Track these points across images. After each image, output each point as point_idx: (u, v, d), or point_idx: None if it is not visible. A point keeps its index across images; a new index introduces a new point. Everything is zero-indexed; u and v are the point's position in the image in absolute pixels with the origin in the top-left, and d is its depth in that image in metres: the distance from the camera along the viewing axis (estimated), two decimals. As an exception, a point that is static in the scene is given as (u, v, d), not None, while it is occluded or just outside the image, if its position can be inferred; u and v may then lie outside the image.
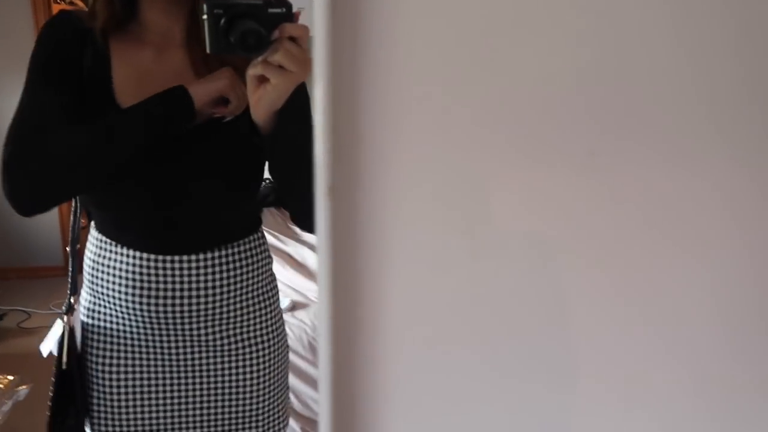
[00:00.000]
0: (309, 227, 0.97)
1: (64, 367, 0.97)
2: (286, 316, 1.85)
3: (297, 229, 2.59)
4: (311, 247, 2.34)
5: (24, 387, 2.26)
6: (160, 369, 0.99)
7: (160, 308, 0.94)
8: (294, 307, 1.91)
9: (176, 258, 0.93)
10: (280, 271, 2.11)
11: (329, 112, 0.37)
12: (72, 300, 1.03)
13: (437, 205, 0.43)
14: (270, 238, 2.12)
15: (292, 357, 1.76)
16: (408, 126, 0.40)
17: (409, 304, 0.44)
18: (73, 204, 1.02)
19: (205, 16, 0.71)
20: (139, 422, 1.01)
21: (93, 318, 1.00)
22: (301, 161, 0.86)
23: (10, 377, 2.30)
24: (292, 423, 1.76)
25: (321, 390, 0.45)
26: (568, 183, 0.43)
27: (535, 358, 0.46)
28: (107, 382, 0.99)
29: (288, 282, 2.07)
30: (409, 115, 0.40)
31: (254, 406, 1.05)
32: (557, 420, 0.46)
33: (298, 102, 0.81)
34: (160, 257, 0.92)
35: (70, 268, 1.05)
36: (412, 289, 0.44)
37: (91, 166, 0.84)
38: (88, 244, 1.00)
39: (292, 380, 1.76)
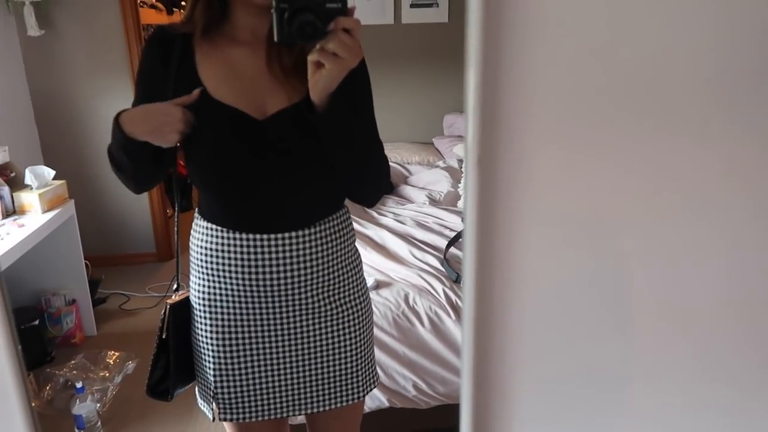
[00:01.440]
0: (361, 199, 1.14)
1: (164, 336, 1.15)
2: (372, 295, 1.95)
3: (375, 213, 2.68)
4: (389, 229, 2.43)
5: (131, 362, 2.47)
6: (267, 335, 1.12)
7: (265, 281, 1.08)
8: (378, 285, 2.00)
9: (280, 235, 1.06)
10: (363, 252, 2.21)
11: (478, 97, 0.44)
12: (178, 282, 1.20)
13: (564, 175, 0.49)
14: (351, 222, 2.22)
15: (378, 332, 1.86)
16: (538, 105, 0.47)
17: (540, 273, 0.51)
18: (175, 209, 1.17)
19: (273, 10, 0.82)
20: (251, 383, 1.15)
21: (205, 299, 1.13)
22: (351, 140, 1.00)
23: (119, 353, 2.52)
24: (379, 394, 1.86)
25: (464, 351, 0.52)
26: (684, 151, 0.49)
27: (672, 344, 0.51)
28: (221, 350, 1.13)
29: (370, 263, 2.17)
30: (539, 96, 0.47)
31: (350, 360, 1.17)
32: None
33: (353, 88, 0.94)
34: (264, 236, 1.05)
35: (176, 259, 1.24)
36: (541, 260, 0.50)
37: (123, 178, 1.06)
38: (195, 233, 1.14)
39: (378, 354, 1.86)
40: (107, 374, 2.36)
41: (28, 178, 2.42)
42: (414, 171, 3.30)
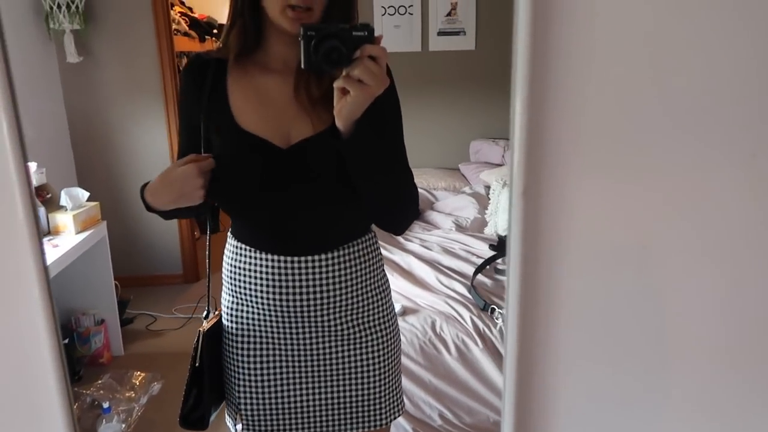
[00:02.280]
0: (389, 227, 1.13)
1: (197, 364, 1.14)
2: (398, 321, 1.93)
3: (401, 239, 2.68)
4: (416, 255, 2.42)
5: (157, 383, 2.48)
6: (293, 357, 1.13)
7: (291, 302, 1.09)
8: (405, 312, 1.99)
9: (306, 258, 1.07)
10: (390, 278, 2.20)
11: (523, 127, 0.44)
12: (208, 308, 1.21)
13: (610, 207, 0.49)
14: (377, 247, 2.21)
15: (404, 360, 1.84)
16: (585, 133, 0.47)
17: (583, 300, 0.50)
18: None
19: (300, 38, 0.84)
20: (276, 403, 1.15)
21: (234, 317, 1.15)
22: (378, 167, 1.00)
23: (144, 374, 2.53)
24: (404, 423, 1.84)
25: (506, 386, 0.51)
26: (731, 181, 0.48)
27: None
28: (248, 369, 1.14)
29: (397, 289, 2.16)
30: (586, 123, 0.47)
31: (376, 385, 1.17)
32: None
33: (380, 115, 0.95)
34: (291, 258, 1.07)
35: (207, 282, 1.23)
36: (586, 286, 0.50)
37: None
38: (227, 252, 1.16)
39: (404, 381, 1.84)
40: (133, 395, 2.37)
41: (63, 200, 2.48)
42: (440, 197, 3.30)
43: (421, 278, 2.23)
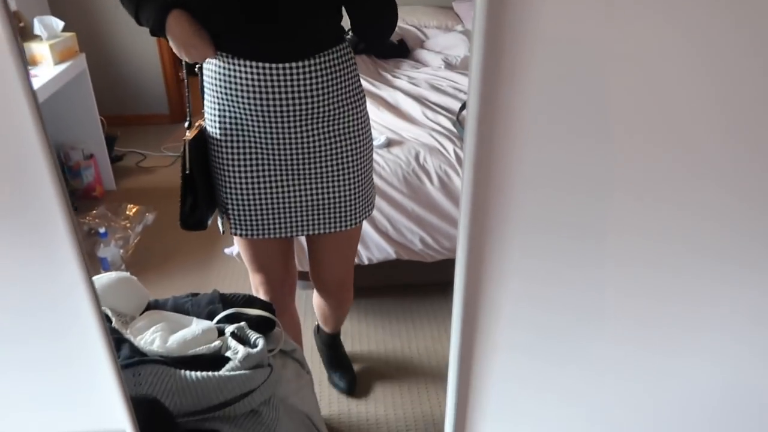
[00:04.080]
0: (368, 33, 1.19)
1: (187, 171, 1.22)
2: (383, 152, 1.97)
3: (389, 76, 2.64)
4: (403, 91, 2.40)
5: (150, 214, 2.57)
6: (274, 159, 1.20)
7: (272, 107, 1.14)
8: (389, 143, 2.02)
9: (285, 65, 1.12)
10: (376, 112, 2.20)
11: None
12: (190, 120, 1.25)
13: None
14: (365, 84, 2.17)
15: (387, 189, 1.90)
16: None
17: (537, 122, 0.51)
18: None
19: None
20: (259, 204, 1.24)
21: (217, 123, 1.19)
22: None
23: (138, 207, 2.61)
24: (387, 246, 1.94)
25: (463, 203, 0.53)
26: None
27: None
28: (233, 172, 1.21)
29: (382, 122, 2.16)
30: None
31: (350, 187, 1.26)
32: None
33: None
34: (270, 65, 1.11)
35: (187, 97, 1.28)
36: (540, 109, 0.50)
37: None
38: (208, 65, 1.18)
39: (388, 209, 1.92)
40: (128, 224, 2.46)
41: (37, 29, 2.38)
42: (431, 35, 3.19)
43: (407, 112, 2.22)
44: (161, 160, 3.18)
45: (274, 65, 1.11)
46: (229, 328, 1.07)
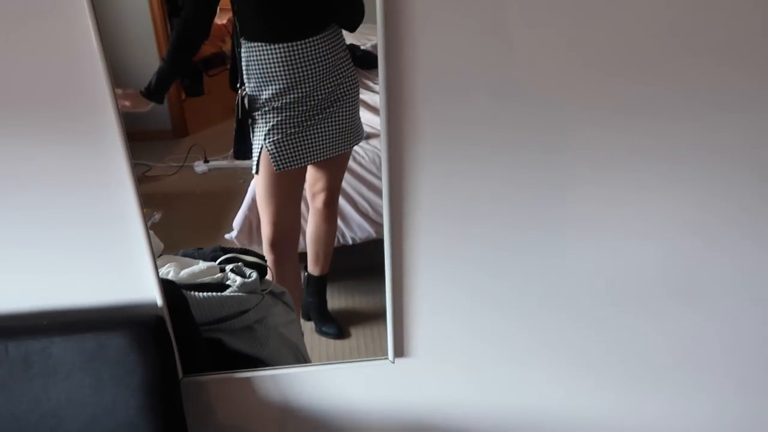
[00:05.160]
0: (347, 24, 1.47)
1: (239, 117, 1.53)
2: (363, 144, 2.23)
3: (370, 83, 2.91)
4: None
5: (157, 213, 2.82)
6: (307, 104, 1.52)
7: (303, 70, 1.44)
8: (368, 136, 2.29)
9: (305, 39, 1.40)
10: (360, 112, 2.47)
11: None
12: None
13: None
14: (346, 87, 2.43)
15: (367, 175, 2.14)
16: None
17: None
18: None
19: None
20: (297, 135, 1.56)
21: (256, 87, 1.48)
22: None
23: (146, 209, 2.86)
24: (368, 226, 2.18)
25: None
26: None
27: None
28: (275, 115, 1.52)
29: (364, 120, 2.43)
30: None
31: (353, 114, 1.71)
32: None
33: None
34: (294, 42, 1.40)
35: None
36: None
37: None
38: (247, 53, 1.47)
39: (368, 193, 2.16)
40: (137, 221, 2.70)
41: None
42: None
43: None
44: (166, 170, 3.43)
45: (295, 42, 1.39)
46: (229, 266, 1.33)
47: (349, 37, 3.57)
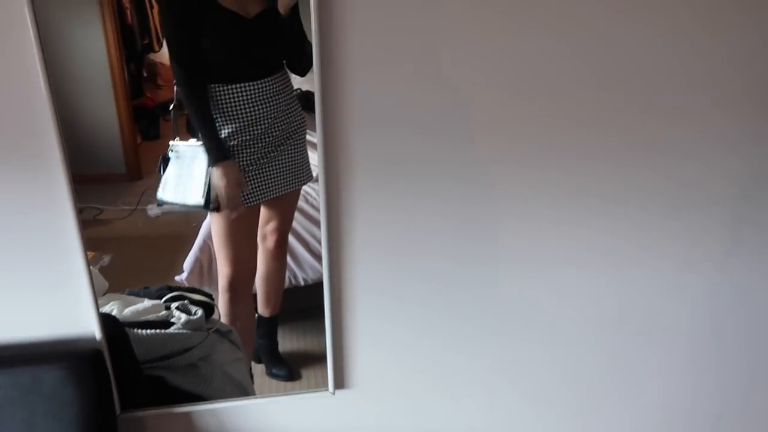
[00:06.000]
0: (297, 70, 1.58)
1: None
2: (314, 185, 2.29)
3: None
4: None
5: (106, 256, 2.78)
6: (267, 140, 1.59)
7: (264, 107, 1.52)
8: (317, 179, 2.34)
9: (265, 79, 1.50)
10: (310, 154, 2.54)
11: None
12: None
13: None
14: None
15: (318, 216, 2.19)
16: None
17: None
18: None
19: None
20: (257, 172, 1.61)
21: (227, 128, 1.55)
22: (302, 36, 1.41)
23: (95, 252, 2.82)
24: (319, 267, 2.21)
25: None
26: None
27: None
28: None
29: (314, 161, 2.50)
30: None
31: (304, 151, 1.77)
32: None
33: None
34: (255, 81, 1.49)
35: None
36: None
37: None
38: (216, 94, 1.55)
39: (320, 234, 2.21)
40: (86, 265, 2.66)
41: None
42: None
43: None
44: (118, 213, 3.40)
45: (257, 81, 1.48)
46: (175, 304, 1.34)
47: (305, 84, 3.71)
